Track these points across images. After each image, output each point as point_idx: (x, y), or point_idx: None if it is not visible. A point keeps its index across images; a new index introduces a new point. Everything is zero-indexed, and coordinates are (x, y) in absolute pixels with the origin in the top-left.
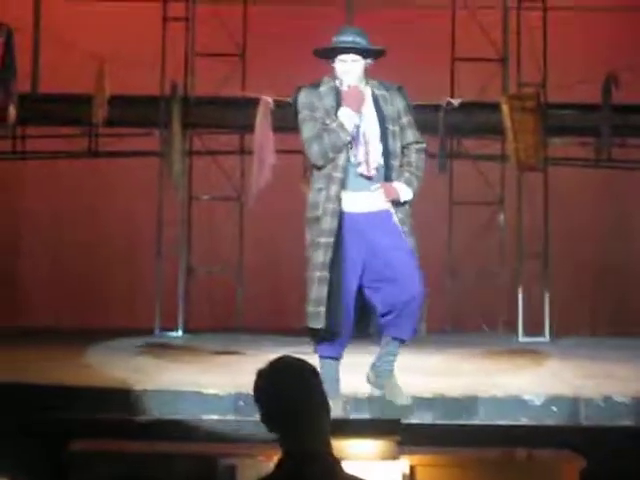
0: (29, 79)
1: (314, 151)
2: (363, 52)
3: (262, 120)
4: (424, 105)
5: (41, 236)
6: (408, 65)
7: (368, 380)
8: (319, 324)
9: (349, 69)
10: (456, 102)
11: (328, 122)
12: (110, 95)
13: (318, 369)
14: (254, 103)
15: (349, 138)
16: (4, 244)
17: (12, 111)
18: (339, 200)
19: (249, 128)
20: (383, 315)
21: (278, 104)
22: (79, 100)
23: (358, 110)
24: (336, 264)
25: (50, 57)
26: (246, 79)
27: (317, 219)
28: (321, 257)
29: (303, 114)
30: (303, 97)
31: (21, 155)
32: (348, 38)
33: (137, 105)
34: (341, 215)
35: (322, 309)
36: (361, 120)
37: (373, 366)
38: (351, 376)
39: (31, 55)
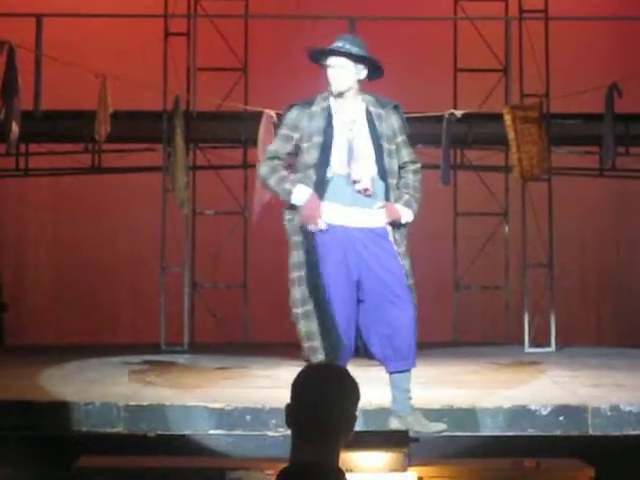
0: (31, 96)
1: (260, 173)
2: (351, 57)
3: (265, 134)
4: (427, 116)
5: (45, 253)
6: (411, 77)
7: (392, 424)
8: (319, 356)
9: (336, 75)
10: (459, 113)
11: (306, 145)
12: (113, 111)
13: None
14: (257, 117)
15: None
16: (8, 261)
17: (15, 128)
18: (303, 232)
19: (252, 142)
20: (381, 347)
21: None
22: (82, 117)
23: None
24: (319, 290)
25: (52, 74)
26: (248, 93)
27: (289, 251)
28: (298, 293)
29: (282, 131)
30: (292, 115)
31: (24, 172)
32: (339, 44)
33: (140, 120)
34: (314, 240)
35: (316, 343)
36: (354, 137)
37: (393, 412)
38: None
39: (33, 72)
